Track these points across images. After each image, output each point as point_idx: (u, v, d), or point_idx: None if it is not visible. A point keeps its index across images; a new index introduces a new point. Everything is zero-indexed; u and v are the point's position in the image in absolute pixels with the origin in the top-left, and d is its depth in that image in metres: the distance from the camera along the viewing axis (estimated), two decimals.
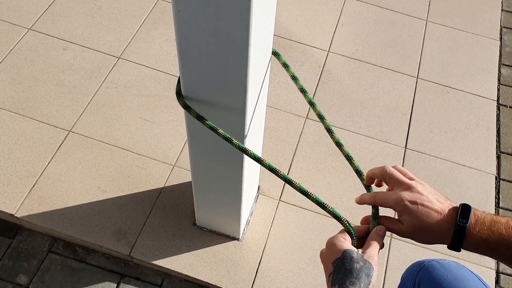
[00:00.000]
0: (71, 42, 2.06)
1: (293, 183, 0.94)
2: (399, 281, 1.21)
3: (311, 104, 1.07)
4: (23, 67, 1.97)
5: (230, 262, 1.59)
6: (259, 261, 1.60)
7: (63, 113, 1.86)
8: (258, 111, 1.20)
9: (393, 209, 0.85)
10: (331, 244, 0.83)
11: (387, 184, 0.90)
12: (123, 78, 1.98)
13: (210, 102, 1.07)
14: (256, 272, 1.59)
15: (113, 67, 2.00)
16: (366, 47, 2.21)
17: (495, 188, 1.87)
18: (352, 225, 0.86)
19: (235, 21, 0.85)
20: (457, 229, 0.79)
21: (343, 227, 0.87)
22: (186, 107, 1.06)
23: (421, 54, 2.21)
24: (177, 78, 1.09)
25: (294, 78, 1.11)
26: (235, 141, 1.00)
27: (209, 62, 0.96)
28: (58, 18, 2.14)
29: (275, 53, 1.17)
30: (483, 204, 1.80)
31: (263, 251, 1.62)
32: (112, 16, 2.17)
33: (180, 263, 1.57)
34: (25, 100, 1.88)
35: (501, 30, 2.39)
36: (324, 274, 0.84)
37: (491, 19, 2.40)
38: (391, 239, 1.69)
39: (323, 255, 0.84)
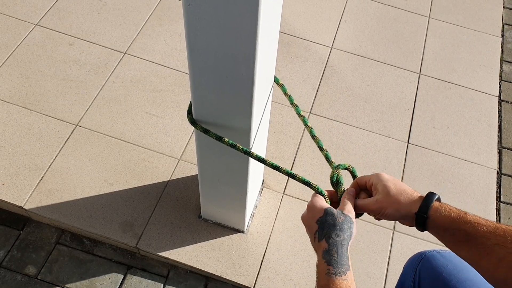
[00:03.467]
0: (77, 38, 2.08)
1: (295, 177, 1.03)
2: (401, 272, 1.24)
3: (306, 125, 1.16)
4: (30, 62, 2.00)
5: (235, 254, 1.62)
6: (263, 253, 1.63)
7: (70, 107, 1.89)
8: (265, 105, 1.23)
9: (370, 181, 0.94)
10: (312, 206, 0.93)
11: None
12: (129, 73, 2.00)
13: (218, 96, 1.09)
14: (261, 264, 1.61)
15: (119, 62, 2.03)
16: (369, 43, 2.23)
17: (497, 182, 1.89)
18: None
19: (244, 15, 0.87)
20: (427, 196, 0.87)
21: (314, 191, 0.98)
22: (205, 131, 1.14)
23: (423, 51, 2.23)
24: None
25: (293, 105, 1.21)
26: (240, 146, 1.10)
27: (218, 55, 0.98)
28: (65, 13, 2.16)
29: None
30: (484, 199, 1.82)
31: (267, 244, 1.65)
32: (117, 12, 2.19)
33: (186, 255, 1.60)
34: (33, 95, 1.91)
35: (503, 27, 2.41)
36: (309, 236, 0.92)
37: (493, 16, 2.42)
38: (393, 233, 1.71)
39: (306, 218, 0.93)
